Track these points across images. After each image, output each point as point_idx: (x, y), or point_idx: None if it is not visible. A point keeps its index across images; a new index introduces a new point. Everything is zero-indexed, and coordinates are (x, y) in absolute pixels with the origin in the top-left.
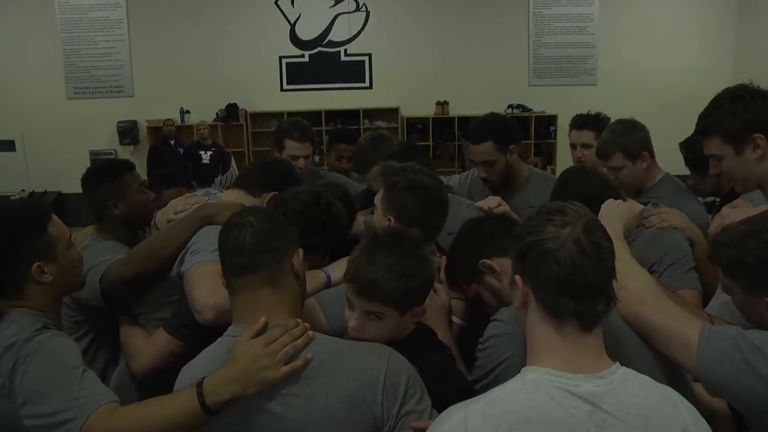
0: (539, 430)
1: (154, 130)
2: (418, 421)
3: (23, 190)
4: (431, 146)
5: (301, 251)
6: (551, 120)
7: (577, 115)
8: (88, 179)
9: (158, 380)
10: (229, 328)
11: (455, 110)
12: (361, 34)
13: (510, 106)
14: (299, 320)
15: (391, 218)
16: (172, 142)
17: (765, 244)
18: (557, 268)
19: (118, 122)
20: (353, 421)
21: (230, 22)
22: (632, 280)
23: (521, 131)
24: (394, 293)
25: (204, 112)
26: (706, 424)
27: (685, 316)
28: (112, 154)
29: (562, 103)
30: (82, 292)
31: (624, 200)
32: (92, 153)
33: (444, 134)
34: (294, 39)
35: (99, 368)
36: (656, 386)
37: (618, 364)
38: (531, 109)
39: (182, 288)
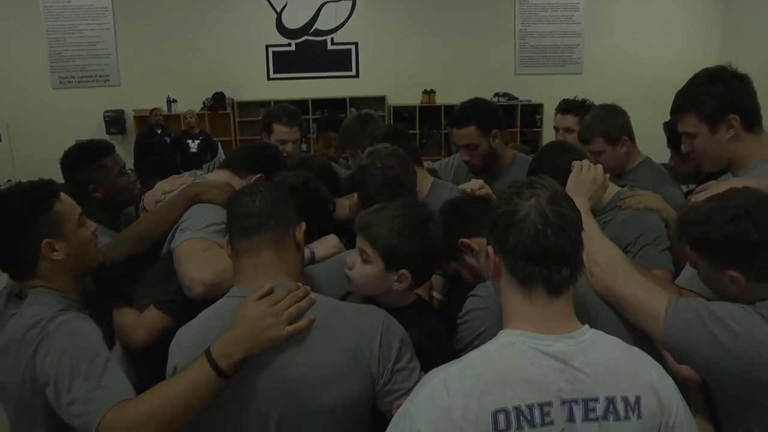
0: (515, 387)
1: (141, 119)
2: (399, 400)
3: (9, 180)
4: (418, 135)
5: (303, 225)
6: (537, 108)
7: (563, 99)
8: (66, 163)
9: (151, 358)
10: (232, 289)
11: (442, 99)
12: (348, 22)
13: (496, 95)
14: (300, 284)
15: (356, 196)
16: (160, 131)
17: (729, 221)
18: (523, 237)
19: (105, 112)
20: (352, 372)
21: (217, 10)
22: (602, 255)
23: (508, 119)
24: (382, 240)
25: (191, 101)
26: (673, 383)
27: (654, 289)
28: (114, 147)
29: (548, 92)
30: None
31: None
32: (78, 143)
33: (431, 123)
34: (280, 28)
35: None
36: (625, 346)
37: (587, 326)
38: (517, 98)
39: (172, 266)
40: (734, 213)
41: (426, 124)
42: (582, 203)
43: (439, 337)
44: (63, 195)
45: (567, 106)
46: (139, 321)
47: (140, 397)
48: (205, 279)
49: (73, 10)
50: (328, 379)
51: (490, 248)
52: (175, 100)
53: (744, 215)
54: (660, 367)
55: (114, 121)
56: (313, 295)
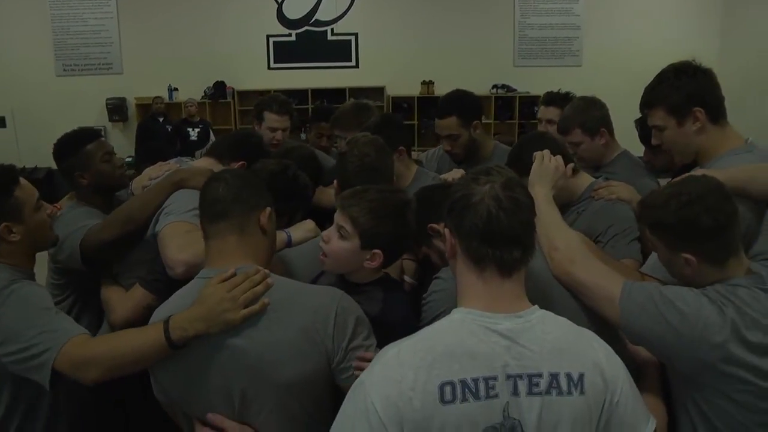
0: (461, 361)
1: (143, 107)
2: (363, 353)
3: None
4: (416, 125)
5: (269, 209)
6: (536, 101)
7: (547, 92)
8: (55, 152)
9: None
10: (201, 271)
11: (441, 90)
12: (348, 13)
13: (495, 86)
14: (260, 267)
15: (335, 182)
16: (161, 119)
17: (684, 206)
18: (477, 220)
19: (107, 99)
20: (307, 351)
21: (219, 0)
22: (562, 242)
23: (506, 112)
24: (362, 219)
25: (192, 90)
26: (620, 362)
27: (611, 274)
28: (101, 130)
29: (546, 84)
30: (63, 255)
31: (574, 164)
32: (66, 132)
33: (429, 113)
34: (281, 18)
35: None
36: (573, 327)
37: (537, 306)
38: (516, 90)
39: (157, 247)
40: (689, 199)
41: (425, 115)
42: (545, 192)
43: (402, 312)
44: (22, 180)
45: (550, 99)
46: (125, 297)
47: (102, 338)
48: (186, 259)
49: None
50: (285, 357)
51: (446, 230)
52: (176, 89)
53: (698, 201)
54: (608, 348)
55: (116, 108)
56: (270, 279)
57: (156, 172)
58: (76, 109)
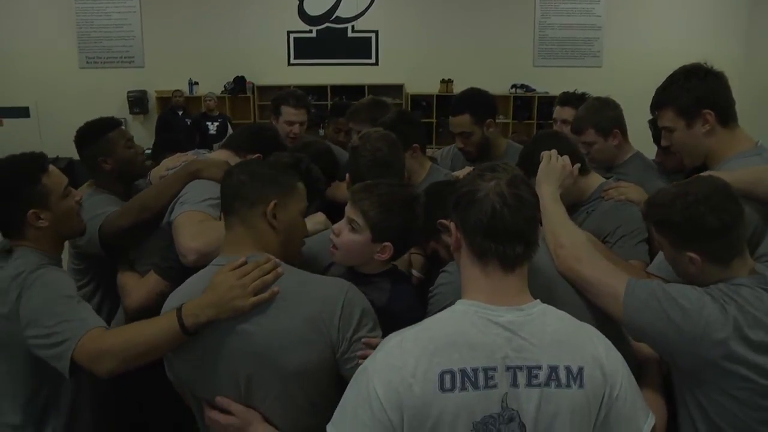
0: (462, 351)
1: (163, 100)
2: (368, 339)
3: None
4: (435, 123)
5: (273, 202)
6: (554, 101)
7: (562, 92)
8: (78, 139)
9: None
10: (215, 259)
11: (459, 88)
12: (368, 11)
13: (514, 86)
14: (271, 256)
15: (347, 176)
16: (181, 113)
17: (690, 205)
18: (481, 215)
19: (128, 92)
20: (313, 340)
21: None
22: (568, 239)
23: (524, 112)
24: (374, 213)
25: (212, 85)
26: (620, 357)
27: (615, 272)
28: (122, 122)
29: (566, 85)
30: (82, 240)
31: (581, 164)
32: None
33: (448, 111)
34: (302, 14)
35: (103, 315)
36: (574, 321)
37: (539, 300)
38: (535, 90)
39: (171, 235)
40: (695, 198)
41: (443, 113)
42: (551, 191)
43: (408, 303)
44: (51, 167)
45: (566, 99)
46: (140, 283)
47: (116, 330)
48: (198, 248)
49: None
50: (290, 346)
51: (452, 224)
52: (196, 83)
53: (703, 201)
54: (609, 342)
55: (137, 101)
56: (281, 268)
57: (173, 163)
58: (97, 101)
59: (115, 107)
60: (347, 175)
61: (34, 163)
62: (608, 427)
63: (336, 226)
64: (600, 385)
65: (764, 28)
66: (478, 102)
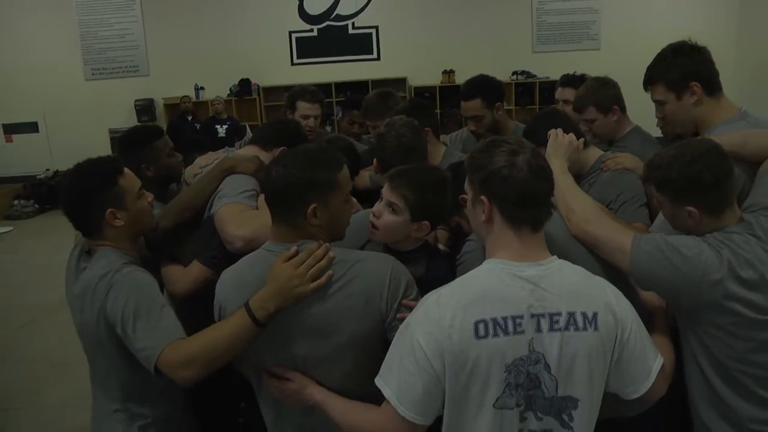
0: (492, 303)
1: (170, 107)
2: (407, 301)
3: (47, 169)
4: (439, 114)
5: (313, 206)
6: (555, 86)
7: (563, 74)
8: (124, 144)
9: (193, 308)
10: (266, 243)
11: (461, 78)
12: (368, 7)
13: (515, 73)
14: (321, 242)
15: (374, 162)
16: (190, 118)
17: (686, 165)
18: (518, 187)
19: (136, 101)
20: (365, 312)
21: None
22: (577, 204)
23: (526, 97)
24: (413, 195)
25: (218, 88)
26: (628, 303)
27: (622, 229)
28: (164, 131)
29: (565, 69)
30: None
31: (585, 138)
32: (111, 131)
33: (451, 102)
34: (302, 14)
35: None
36: (587, 273)
37: (556, 256)
38: (535, 75)
39: (212, 228)
40: (691, 158)
41: (446, 104)
42: (560, 164)
43: (444, 273)
44: (126, 170)
45: (566, 80)
46: (185, 273)
47: (192, 338)
48: (244, 234)
49: (103, 4)
50: (345, 320)
51: (484, 198)
52: (202, 88)
53: (699, 159)
54: (618, 291)
55: (145, 109)
56: (332, 252)
57: (206, 161)
58: (105, 111)
59: (123, 117)
60: (374, 159)
61: (111, 166)
62: (621, 366)
63: (375, 209)
64: (612, 328)
65: (756, 7)
66: (488, 87)
